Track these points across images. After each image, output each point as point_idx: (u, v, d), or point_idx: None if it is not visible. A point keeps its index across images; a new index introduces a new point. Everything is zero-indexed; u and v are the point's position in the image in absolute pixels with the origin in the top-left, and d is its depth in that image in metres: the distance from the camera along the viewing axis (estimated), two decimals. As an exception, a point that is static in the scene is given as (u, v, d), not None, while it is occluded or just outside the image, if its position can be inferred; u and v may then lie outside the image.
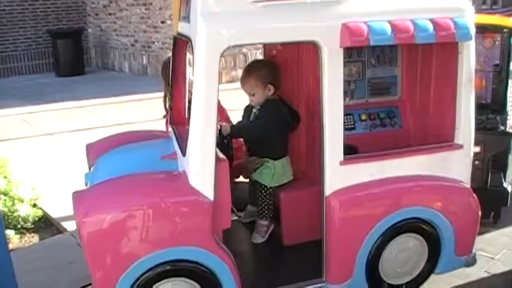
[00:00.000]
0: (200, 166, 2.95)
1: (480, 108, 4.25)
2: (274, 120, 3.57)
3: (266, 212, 3.72)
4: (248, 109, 3.79)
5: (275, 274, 3.43)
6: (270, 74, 3.64)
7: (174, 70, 3.76)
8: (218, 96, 2.89)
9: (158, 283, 3.00)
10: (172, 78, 3.78)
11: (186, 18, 3.07)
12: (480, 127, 4.28)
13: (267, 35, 3.00)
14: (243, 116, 3.84)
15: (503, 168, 4.52)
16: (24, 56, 13.99)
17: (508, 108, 4.49)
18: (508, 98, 4.47)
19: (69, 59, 13.45)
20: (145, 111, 9.13)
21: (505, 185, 4.50)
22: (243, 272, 3.16)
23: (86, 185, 3.55)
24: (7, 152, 6.46)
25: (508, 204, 4.53)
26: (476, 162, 4.33)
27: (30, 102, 10.40)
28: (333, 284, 3.29)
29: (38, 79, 13.28)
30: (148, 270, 2.95)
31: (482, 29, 4.24)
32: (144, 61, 13.20)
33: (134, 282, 2.95)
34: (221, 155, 3.12)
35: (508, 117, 4.50)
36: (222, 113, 4.09)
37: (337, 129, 3.11)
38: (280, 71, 3.74)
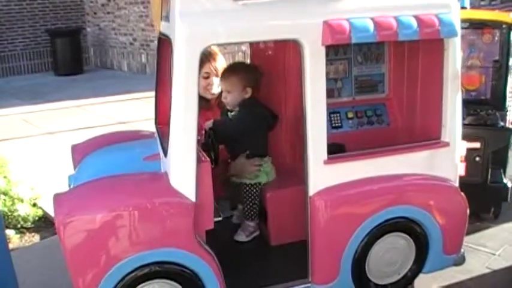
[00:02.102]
0: (181, 167, 2.91)
1: (480, 104, 4.23)
2: (254, 118, 3.54)
3: (252, 212, 3.68)
4: (225, 111, 3.76)
5: (260, 275, 3.39)
6: (252, 78, 3.60)
7: (158, 70, 3.71)
8: (198, 94, 2.86)
9: (141, 285, 2.96)
10: (157, 79, 3.74)
11: (167, 18, 3.03)
12: (480, 123, 4.25)
13: (248, 33, 2.94)
14: (221, 116, 3.80)
15: (503, 164, 4.49)
16: (23, 56, 13.97)
17: (508, 104, 4.46)
18: (508, 94, 4.44)
19: (68, 58, 13.44)
20: (145, 109, 9.08)
21: (505, 180, 4.46)
22: (227, 272, 3.11)
23: (69, 186, 3.51)
24: (7, 152, 6.44)
25: (508, 200, 4.50)
26: (477, 158, 4.31)
27: (29, 101, 10.40)
28: (318, 285, 3.25)
29: (36, 78, 13.28)
30: (130, 273, 2.91)
31: (481, 25, 4.20)
32: (143, 59, 13.18)
33: (117, 284, 2.90)
34: (204, 156, 3.07)
35: (508, 113, 4.47)
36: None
37: (320, 128, 3.06)
38: (262, 71, 3.69)
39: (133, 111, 9.23)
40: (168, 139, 2.92)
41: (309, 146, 3.07)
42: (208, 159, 3.05)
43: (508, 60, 4.38)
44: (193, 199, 2.91)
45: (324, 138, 3.09)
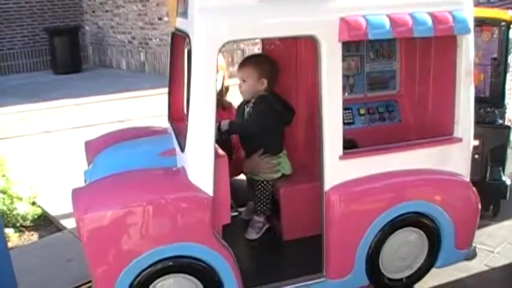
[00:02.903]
0: (199, 162, 2.94)
1: (479, 101, 4.23)
2: (269, 116, 3.55)
3: (264, 208, 3.72)
4: (241, 108, 3.78)
5: (275, 269, 3.43)
6: (268, 70, 3.63)
7: (172, 66, 3.75)
8: (216, 92, 2.90)
9: (158, 279, 2.99)
10: (170, 74, 3.76)
11: (184, 14, 3.06)
12: (479, 121, 4.27)
13: (265, 30, 2.99)
14: (237, 115, 3.83)
15: (502, 162, 4.51)
16: (22, 54, 13.97)
17: (507, 101, 4.49)
18: (507, 92, 4.47)
19: (67, 57, 13.43)
20: (144, 107, 9.13)
21: (503, 178, 4.49)
22: (242, 267, 3.15)
23: (85, 182, 3.54)
24: (5, 150, 6.44)
25: (507, 198, 4.53)
26: (476, 156, 4.33)
27: (27, 100, 10.39)
28: (332, 279, 3.29)
29: (35, 77, 13.28)
30: (149, 267, 2.94)
31: (480, 22, 4.24)
32: (142, 58, 13.18)
33: (134, 279, 2.94)
34: (220, 151, 3.11)
35: (507, 110, 4.49)
36: (231, 111, 4.09)
37: (336, 124, 3.10)
38: (279, 67, 3.73)
39: (132, 109, 9.24)
40: (185, 134, 2.96)
41: (324, 142, 3.11)
42: (225, 154, 3.09)
43: (506, 58, 4.41)
44: (211, 193, 2.94)
45: (339, 134, 3.13)
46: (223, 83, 4.17)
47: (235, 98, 3.98)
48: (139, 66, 13.27)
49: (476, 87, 4.09)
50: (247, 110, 3.70)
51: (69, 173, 5.51)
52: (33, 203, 5.22)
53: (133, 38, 13.34)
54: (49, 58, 13.91)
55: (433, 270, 3.59)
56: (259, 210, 3.73)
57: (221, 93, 4.12)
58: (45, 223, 5.09)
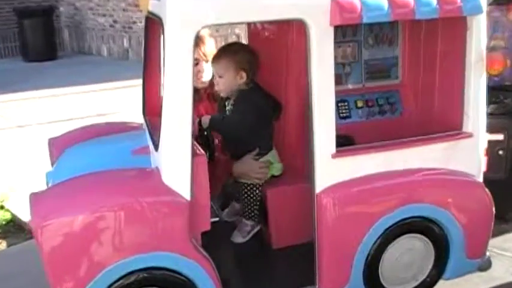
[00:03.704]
0: (174, 161, 2.93)
1: (504, 90, 4.22)
2: (252, 115, 3.52)
3: (252, 213, 3.71)
4: (221, 103, 3.77)
5: (262, 281, 3.42)
6: (245, 60, 3.58)
7: (146, 54, 3.74)
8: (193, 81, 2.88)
9: (130, 294, 2.99)
10: (144, 64, 3.75)
11: (157, -5, 3.04)
12: (503, 112, 4.24)
13: (249, 13, 2.95)
14: (218, 110, 3.82)
15: (529, 158, 4.47)
16: (-16, 39, 13.90)
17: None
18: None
19: (39, 42, 13.35)
20: (128, 99, 9.10)
21: (531, 176, 4.46)
22: (225, 278, 3.14)
23: (47, 185, 3.52)
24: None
25: None
26: (500, 152, 4.31)
27: (-5, 91, 10.39)
28: (327, 292, 3.28)
29: (2, 65, 13.22)
30: (119, 280, 2.92)
31: (507, 0, 4.19)
32: (125, 44, 13.18)
33: (102, 294, 2.92)
34: (199, 149, 3.10)
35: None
36: None
37: (328, 118, 3.08)
38: (261, 57, 3.68)
39: (114, 101, 9.25)
40: (159, 131, 2.94)
41: (315, 138, 3.09)
42: (203, 152, 3.08)
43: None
44: (188, 197, 2.93)
45: (332, 130, 3.11)
46: (213, 74, 4.14)
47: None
48: (122, 52, 13.27)
49: (500, 74, 4.09)
50: (228, 107, 3.68)
51: (43, 173, 5.47)
52: (2, 207, 5.21)
53: (115, 21, 13.33)
54: (18, 43, 13.82)
55: (454, 280, 3.58)
56: (247, 213, 3.72)
57: (212, 84, 4.11)
58: (15, 230, 5.06)
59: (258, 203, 3.68)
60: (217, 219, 3.45)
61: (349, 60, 3.91)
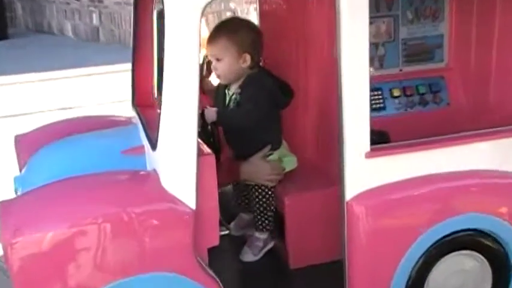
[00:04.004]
0: (176, 163, 3.00)
1: None
2: (264, 101, 3.63)
3: (266, 221, 3.81)
4: (219, 93, 3.85)
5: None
6: (248, 40, 3.67)
7: (136, 33, 3.83)
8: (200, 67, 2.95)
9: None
10: (134, 45, 3.84)
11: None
12: None
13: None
14: (216, 102, 3.89)
15: None
16: None
17: None
18: None
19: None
20: (99, 90, 9.16)
21: None
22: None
23: (17, 192, 3.56)
24: None
25: None
26: None
27: None
28: (358, 321, 3.34)
29: None
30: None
31: None
32: (94, 21, 13.22)
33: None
34: (205, 148, 3.19)
35: None
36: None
37: (361, 111, 3.16)
38: (274, 35, 3.78)
39: (82, 92, 9.27)
40: (157, 126, 3.01)
41: (345, 135, 3.16)
42: (211, 152, 3.17)
43: None
44: (193, 206, 3.00)
45: (366, 124, 3.18)
46: (204, 58, 4.25)
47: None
48: (91, 32, 13.29)
49: None
50: (231, 95, 3.77)
51: (9, 177, 5.53)
52: None
53: (82, -8, 13.37)
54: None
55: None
56: (259, 224, 3.82)
57: (201, 72, 4.21)
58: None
59: (272, 210, 3.79)
60: (226, 232, 3.52)
61: (383, 39, 4.02)
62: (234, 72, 3.69)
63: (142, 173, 3.25)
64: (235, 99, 3.73)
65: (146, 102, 3.80)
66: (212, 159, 3.12)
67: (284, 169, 3.82)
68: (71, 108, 8.39)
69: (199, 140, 3.09)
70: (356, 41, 3.09)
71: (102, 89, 9.22)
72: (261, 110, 3.61)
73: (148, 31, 3.79)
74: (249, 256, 3.83)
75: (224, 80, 3.75)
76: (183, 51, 2.92)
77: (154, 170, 3.14)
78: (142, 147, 3.43)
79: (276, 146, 3.81)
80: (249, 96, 3.65)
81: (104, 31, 12.98)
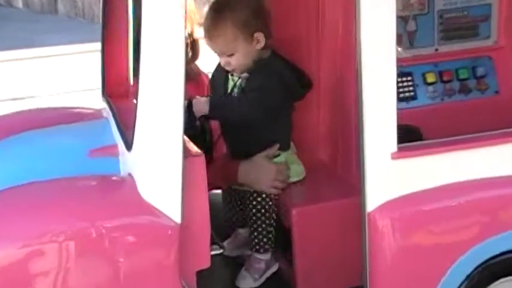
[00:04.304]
0: (157, 166, 3.04)
1: None
2: (277, 93, 3.67)
3: (265, 239, 3.84)
4: (220, 78, 3.90)
5: None
6: (253, 14, 3.72)
7: (106, 6, 3.89)
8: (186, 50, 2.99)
9: None
10: (104, 20, 3.89)
11: None
12: None
13: None
14: (213, 90, 3.97)
15: None
16: None
17: None
18: None
19: None
20: (57, 76, 9.19)
21: None
22: None
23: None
24: None
25: None
26: None
27: None
28: None
29: None
30: None
31: None
32: (51, -12, 13.23)
33: None
34: (193, 147, 3.24)
35: None
36: (201, 84, 4.25)
37: (385, 102, 3.18)
38: (278, 11, 3.82)
39: (36, 78, 9.28)
40: (133, 122, 3.06)
41: (366, 131, 3.18)
42: (200, 152, 3.21)
43: None
44: (177, 219, 3.04)
45: (392, 118, 3.21)
46: (190, 39, 4.30)
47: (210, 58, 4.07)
48: (48, 4, 13.29)
49: None
50: (235, 81, 3.82)
51: None
52: None
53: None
54: None
55: None
56: (257, 244, 3.85)
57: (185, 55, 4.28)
58: None
59: (272, 224, 3.82)
60: (219, 251, 3.55)
61: (414, 11, 4.07)
62: (251, 59, 3.75)
63: (114, 178, 3.29)
64: (240, 85, 3.79)
65: (120, 91, 3.83)
66: (202, 160, 3.16)
67: (289, 177, 3.87)
68: (22, 98, 8.39)
69: (185, 137, 3.13)
70: (379, 15, 3.11)
71: (62, 74, 9.22)
72: (272, 100, 3.66)
73: (122, 3, 3.83)
74: (247, 282, 3.84)
75: (241, 71, 3.79)
76: (164, 28, 2.96)
77: (130, 175, 3.19)
78: (115, 146, 3.46)
79: (284, 147, 3.87)
80: (258, 83, 3.69)
81: (63, 3, 12.98)
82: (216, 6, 3.80)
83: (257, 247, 3.85)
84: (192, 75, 4.22)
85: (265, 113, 3.67)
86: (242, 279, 3.85)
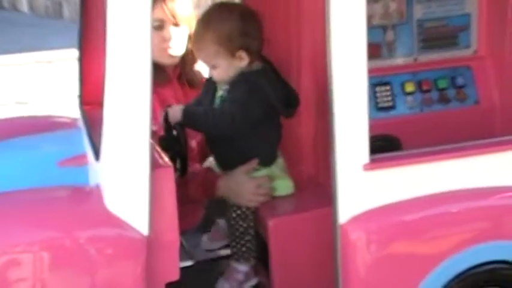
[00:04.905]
0: (124, 176, 3.01)
1: None
2: (257, 104, 3.64)
3: (244, 248, 3.81)
4: (210, 86, 3.88)
5: None
6: (240, 31, 3.68)
7: (84, 13, 3.86)
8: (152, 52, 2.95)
9: None
10: (81, 29, 3.87)
11: None
12: None
13: None
14: (203, 96, 3.94)
15: None
16: None
17: None
18: None
19: None
20: (61, 80, 9.18)
21: None
22: None
23: None
24: None
25: None
26: None
27: None
28: None
29: None
30: None
31: None
32: (56, -7, 13.26)
33: None
34: (162, 158, 3.21)
35: None
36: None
37: (356, 113, 3.15)
38: (261, 16, 3.76)
39: (40, 82, 9.28)
40: (101, 130, 3.02)
41: (337, 142, 3.15)
42: (169, 163, 3.18)
43: None
44: (144, 231, 3.01)
45: (364, 129, 3.17)
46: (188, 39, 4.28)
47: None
48: (53, 8, 13.32)
49: None
50: (220, 92, 3.81)
51: None
52: None
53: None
54: None
55: None
56: (236, 254, 3.83)
57: (184, 61, 4.24)
58: None
59: (251, 234, 3.80)
60: (189, 263, 3.52)
61: (393, 21, 4.02)
62: (233, 75, 3.73)
63: (82, 189, 3.26)
64: (222, 97, 3.78)
65: (96, 100, 3.76)
66: (170, 171, 3.13)
67: (274, 190, 3.83)
68: (26, 102, 8.40)
69: (156, 147, 3.14)
70: (349, 23, 3.09)
71: (66, 79, 9.22)
72: (248, 115, 3.63)
73: (100, 8, 3.79)
74: None
75: (224, 83, 3.78)
76: (129, 34, 2.94)
77: (98, 186, 3.15)
78: (84, 157, 3.44)
79: (266, 162, 3.83)
80: (236, 96, 3.67)
81: (68, 6, 13.00)
82: (203, 20, 3.80)
83: (236, 256, 3.83)
84: (194, 82, 4.23)
85: (238, 126, 3.64)
86: (220, 287, 3.84)
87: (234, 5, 3.90)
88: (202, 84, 4.21)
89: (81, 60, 3.92)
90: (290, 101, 3.79)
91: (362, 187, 3.23)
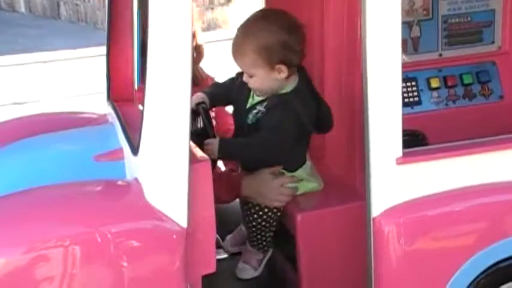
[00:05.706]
0: (164, 171, 3.04)
1: None
2: (292, 131, 3.66)
3: (264, 242, 3.90)
4: (242, 88, 3.85)
5: None
6: (282, 43, 3.64)
7: (112, 9, 3.87)
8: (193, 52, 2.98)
9: None
10: (109, 24, 3.89)
11: None
12: None
13: None
14: (235, 98, 3.95)
15: None
16: None
17: None
18: None
19: None
20: (59, 81, 9.16)
21: None
22: None
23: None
24: None
25: None
26: None
27: None
28: None
29: None
30: None
31: None
32: (54, -7, 13.22)
33: None
34: (199, 153, 3.25)
35: None
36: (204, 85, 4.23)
37: (390, 107, 3.18)
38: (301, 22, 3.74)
39: (38, 83, 9.26)
40: (140, 126, 3.06)
41: (371, 136, 3.18)
42: (206, 157, 3.23)
43: None
44: (183, 223, 3.04)
45: (397, 123, 3.20)
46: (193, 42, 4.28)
47: (216, 60, 4.02)
48: (50, 9, 13.28)
49: None
50: (253, 103, 3.81)
51: None
52: None
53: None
54: None
55: None
56: (254, 244, 3.91)
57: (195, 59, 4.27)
58: None
59: (272, 230, 3.86)
60: (225, 255, 3.55)
61: (418, 17, 4.07)
62: (270, 87, 3.73)
63: (120, 183, 3.29)
64: (256, 116, 3.77)
65: (125, 95, 3.84)
66: (207, 166, 3.18)
67: (297, 189, 3.86)
68: (24, 103, 8.39)
69: (191, 142, 3.13)
70: (385, 20, 3.12)
71: (64, 79, 9.21)
72: (285, 141, 3.67)
73: (128, 6, 3.83)
74: (248, 272, 3.90)
75: (259, 94, 3.78)
76: (171, 32, 2.96)
77: (136, 180, 3.18)
78: (121, 151, 3.47)
79: (295, 166, 3.86)
80: (273, 123, 3.67)
81: (66, 6, 12.97)
82: (245, 26, 3.78)
83: (254, 244, 3.91)
84: (198, 80, 4.24)
85: (277, 153, 3.71)
86: (242, 270, 3.91)
87: (280, 14, 3.78)
88: (206, 80, 4.33)
89: (109, 57, 3.94)
90: (322, 118, 3.82)
91: (395, 180, 3.25)
